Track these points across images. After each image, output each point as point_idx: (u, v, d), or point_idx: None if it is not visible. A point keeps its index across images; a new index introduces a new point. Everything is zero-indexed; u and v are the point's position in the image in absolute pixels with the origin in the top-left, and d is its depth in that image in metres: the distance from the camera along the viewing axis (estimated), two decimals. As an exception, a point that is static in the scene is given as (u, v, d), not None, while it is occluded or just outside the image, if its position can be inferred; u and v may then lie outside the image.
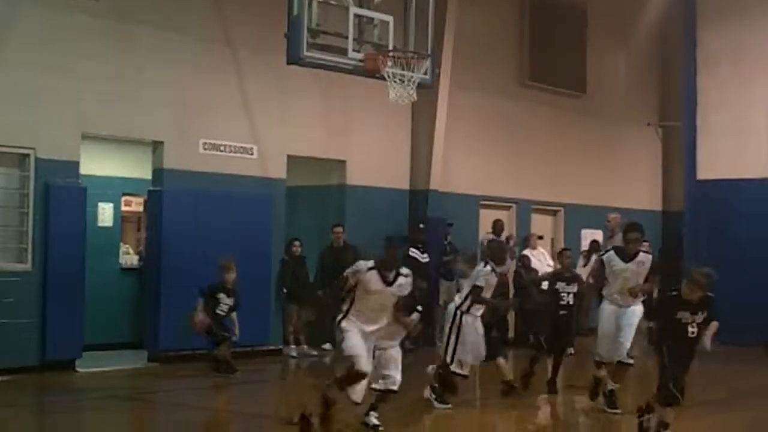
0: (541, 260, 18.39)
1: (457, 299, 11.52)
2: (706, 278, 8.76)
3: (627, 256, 10.91)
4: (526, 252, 18.03)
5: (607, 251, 11.40)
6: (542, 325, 12.87)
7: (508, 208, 19.43)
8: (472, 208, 18.72)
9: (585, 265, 18.88)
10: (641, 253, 11.01)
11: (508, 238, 18.10)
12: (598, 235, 18.99)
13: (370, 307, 9.31)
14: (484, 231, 18.59)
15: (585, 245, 19.46)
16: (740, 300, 16.97)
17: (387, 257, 9.53)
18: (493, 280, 11.40)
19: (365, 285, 9.25)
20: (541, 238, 19.07)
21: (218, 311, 13.50)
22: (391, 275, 9.40)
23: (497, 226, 18.13)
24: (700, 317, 8.81)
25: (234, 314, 13.72)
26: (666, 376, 8.73)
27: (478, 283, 11.24)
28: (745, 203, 19.92)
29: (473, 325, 11.24)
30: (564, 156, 20.42)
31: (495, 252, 11.79)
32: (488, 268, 11.36)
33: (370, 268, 9.30)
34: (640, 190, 22.11)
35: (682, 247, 20.21)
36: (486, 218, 18.73)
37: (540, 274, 18.11)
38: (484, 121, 18.89)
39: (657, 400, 8.92)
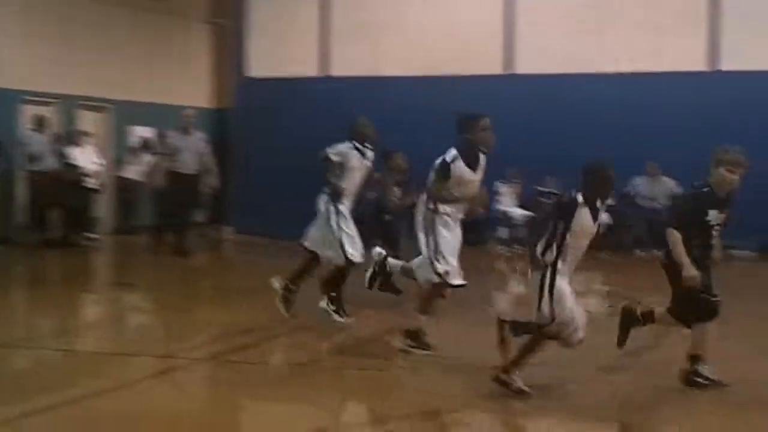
0: (89, 157, 17.81)
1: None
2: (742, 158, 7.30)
3: None
4: (71, 149, 17.37)
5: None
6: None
7: (52, 104, 18.41)
8: (14, 103, 17.55)
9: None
10: None
11: (58, 135, 17.29)
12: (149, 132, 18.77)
13: None
14: (27, 127, 17.60)
15: (135, 142, 19.22)
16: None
17: None
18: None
19: None
20: (87, 134, 18.35)
21: None
22: None
23: (41, 123, 17.25)
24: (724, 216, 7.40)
25: None
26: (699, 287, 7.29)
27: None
28: (295, 101, 20.32)
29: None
30: (113, 51, 19.68)
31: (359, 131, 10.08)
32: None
33: None
34: (192, 87, 21.86)
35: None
36: (29, 114, 17.66)
37: (86, 170, 17.58)
38: (29, 13, 17.70)
39: (692, 318, 7.48)
